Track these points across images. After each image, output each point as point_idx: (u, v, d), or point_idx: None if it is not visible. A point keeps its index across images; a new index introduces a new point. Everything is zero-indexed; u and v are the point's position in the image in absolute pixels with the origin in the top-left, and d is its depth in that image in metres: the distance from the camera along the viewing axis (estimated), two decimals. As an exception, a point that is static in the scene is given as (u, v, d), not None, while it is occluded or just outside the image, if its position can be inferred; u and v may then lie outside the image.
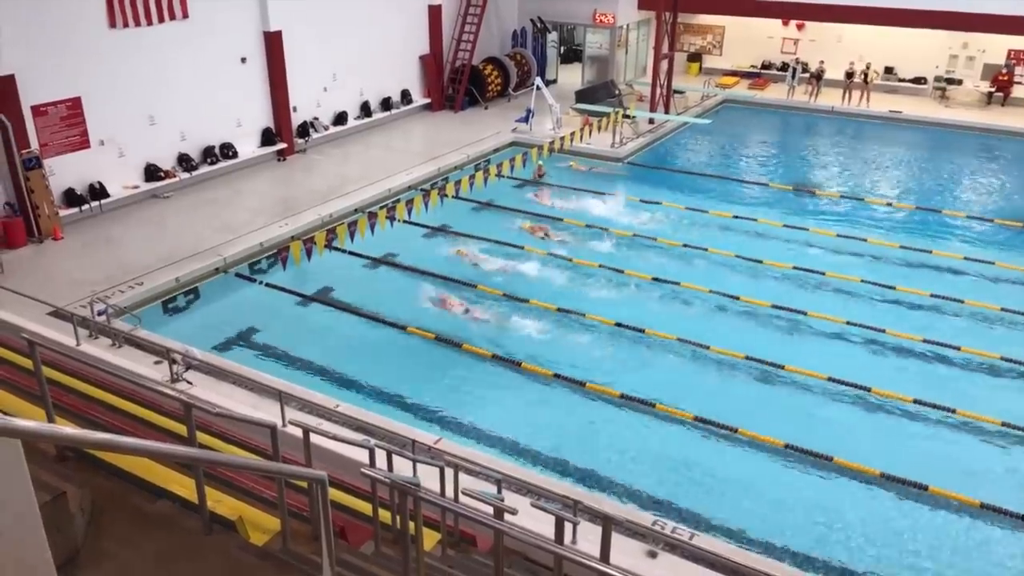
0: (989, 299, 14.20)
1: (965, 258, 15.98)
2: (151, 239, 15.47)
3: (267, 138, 20.20)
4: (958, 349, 12.61)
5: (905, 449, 10.52)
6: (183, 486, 5.81)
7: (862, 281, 14.88)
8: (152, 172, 17.49)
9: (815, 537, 9.03)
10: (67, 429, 3.02)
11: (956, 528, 9.27)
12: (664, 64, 24.41)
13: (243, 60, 19.26)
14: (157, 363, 10.92)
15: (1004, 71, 26.88)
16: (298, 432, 6.64)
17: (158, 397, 7.68)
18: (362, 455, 7.07)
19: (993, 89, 27.02)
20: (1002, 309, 13.87)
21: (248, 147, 19.75)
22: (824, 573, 8.55)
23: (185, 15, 17.45)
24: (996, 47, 26.72)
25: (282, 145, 20.42)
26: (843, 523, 9.23)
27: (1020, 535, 9.12)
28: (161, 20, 17.03)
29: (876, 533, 9.10)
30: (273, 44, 19.66)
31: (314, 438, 6.65)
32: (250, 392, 10.43)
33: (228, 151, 19.13)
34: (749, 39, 30.30)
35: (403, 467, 7.35)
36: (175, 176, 17.90)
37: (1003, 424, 10.82)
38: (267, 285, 14.35)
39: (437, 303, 13.86)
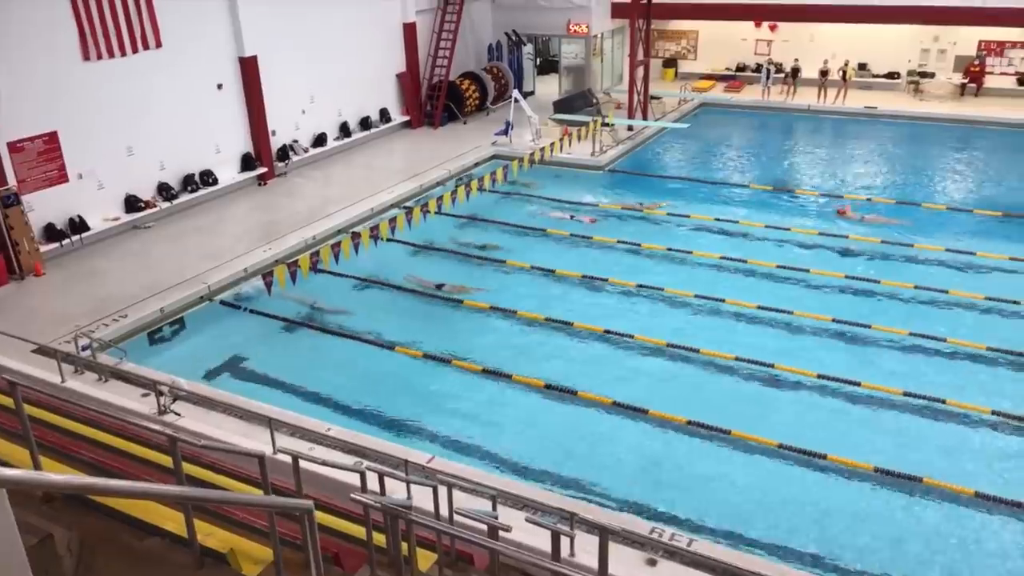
0: (974, 289, 14.36)
1: (947, 250, 16.11)
2: (134, 270, 15.36)
3: (247, 163, 20.15)
4: (944, 340, 12.71)
5: (896, 444, 10.58)
6: (173, 521, 5.74)
7: (847, 277, 14.98)
8: (132, 203, 17.40)
9: (816, 537, 9.03)
10: (52, 476, 2.99)
11: (950, 522, 9.31)
12: (640, 71, 24.54)
13: (219, 86, 19.22)
14: (144, 395, 10.79)
15: (976, 62, 27.19)
16: (289, 459, 6.58)
17: (145, 431, 7.59)
18: (355, 478, 7.02)
19: (966, 80, 27.32)
20: (986, 298, 14.03)
21: (228, 173, 19.69)
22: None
23: (159, 44, 17.39)
24: (967, 39, 27.05)
25: (262, 170, 20.38)
26: (842, 521, 9.23)
27: None
28: (135, 50, 16.97)
29: (875, 530, 9.12)
30: (249, 69, 19.65)
31: (305, 463, 6.59)
32: (240, 420, 10.33)
33: (208, 178, 19.07)
34: (723, 42, 30.54)
35: (397, 488, 7.29)
36: (155, 206, 17.80)
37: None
38: (251, 311, 14.27)
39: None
